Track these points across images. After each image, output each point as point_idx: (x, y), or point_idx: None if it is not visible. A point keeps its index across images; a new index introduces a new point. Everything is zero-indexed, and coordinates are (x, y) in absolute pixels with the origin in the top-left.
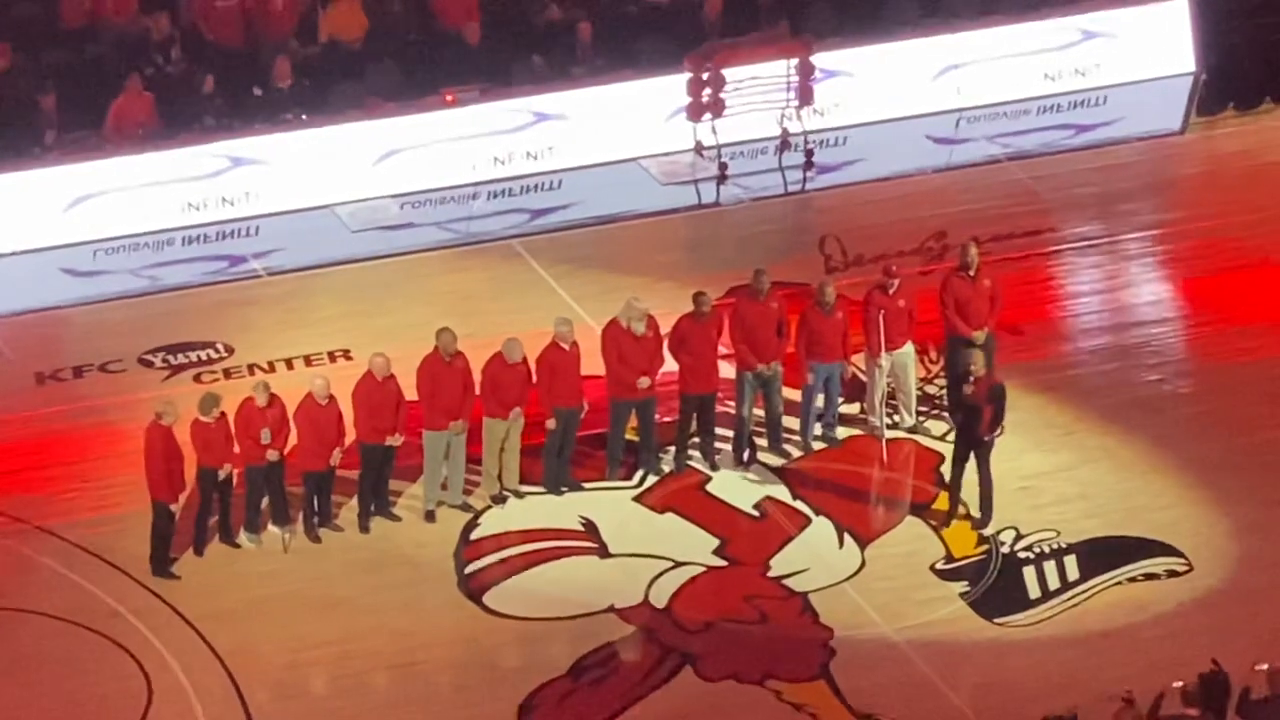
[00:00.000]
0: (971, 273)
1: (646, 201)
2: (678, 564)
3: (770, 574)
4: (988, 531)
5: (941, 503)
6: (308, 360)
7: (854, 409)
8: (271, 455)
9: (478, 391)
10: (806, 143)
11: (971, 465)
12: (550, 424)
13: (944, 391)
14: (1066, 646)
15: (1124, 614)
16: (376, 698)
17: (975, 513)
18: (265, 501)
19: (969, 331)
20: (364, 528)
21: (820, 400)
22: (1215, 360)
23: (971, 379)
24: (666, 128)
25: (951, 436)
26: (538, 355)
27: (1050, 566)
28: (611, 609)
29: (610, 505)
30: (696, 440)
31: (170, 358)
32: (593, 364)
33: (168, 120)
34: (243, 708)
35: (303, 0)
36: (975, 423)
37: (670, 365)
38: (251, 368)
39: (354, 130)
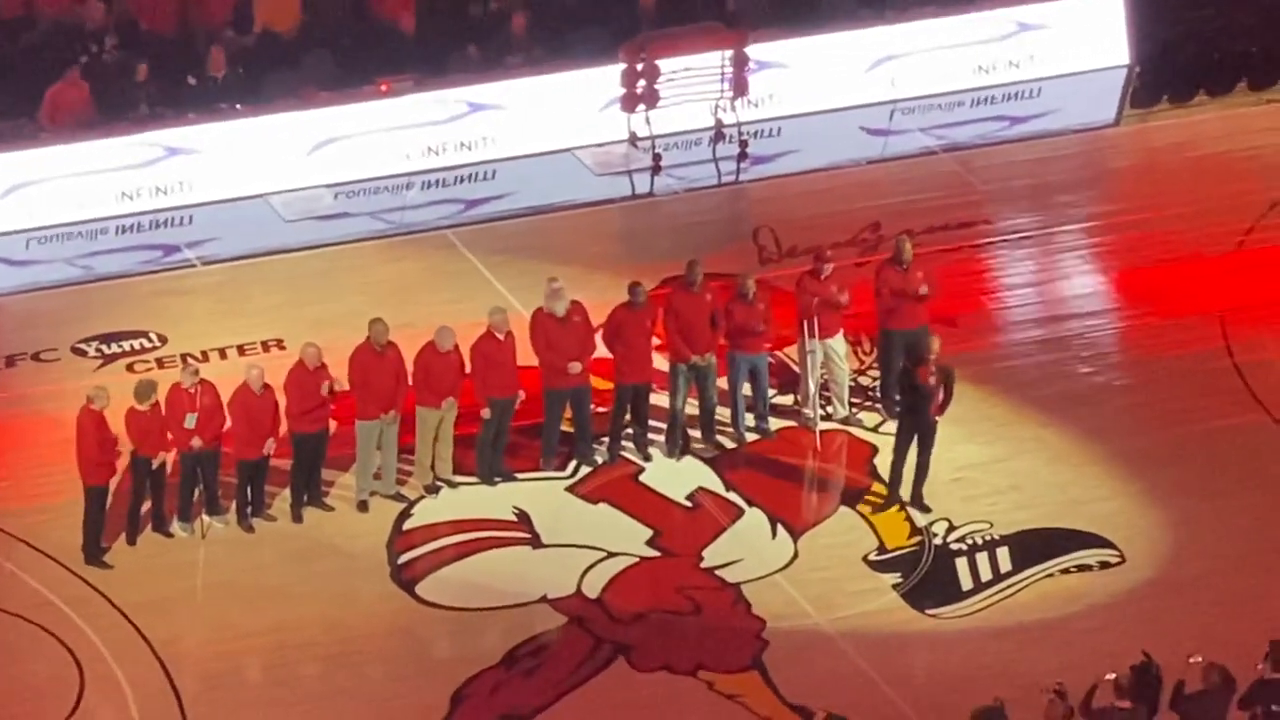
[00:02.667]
0: (904, 267)
1: (581, 192)
2: (611, 555)
3: (703, 565)
4: (919, 521)
5: (881, 487)
6: (241, 350)
7: (787, 400)
8: (195, 443)
9: (410, 382)
10: (741, 134)
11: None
12: (485, 414)
13: (877, 383)
14: (999, 638)
15: (1056, 606)
16: (309, 688)
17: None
18: (199, 490)
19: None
20: (297, 518)
21: (749, 391)
22: (1149, 353)
23: (926, 361)
24: (601, 118)
25: (885, 428)
26: (472, 345)
27: (983, 558)
28: (544, 599)
29: (543, 496)
30: (630, 431)
31: (104, 347)
32: (529, 354)
33: (102, 109)
34: (175, 697)
35: None
36: (925, 406)
37: (604, 353)
38: (185, 357)
39: (288, 120)
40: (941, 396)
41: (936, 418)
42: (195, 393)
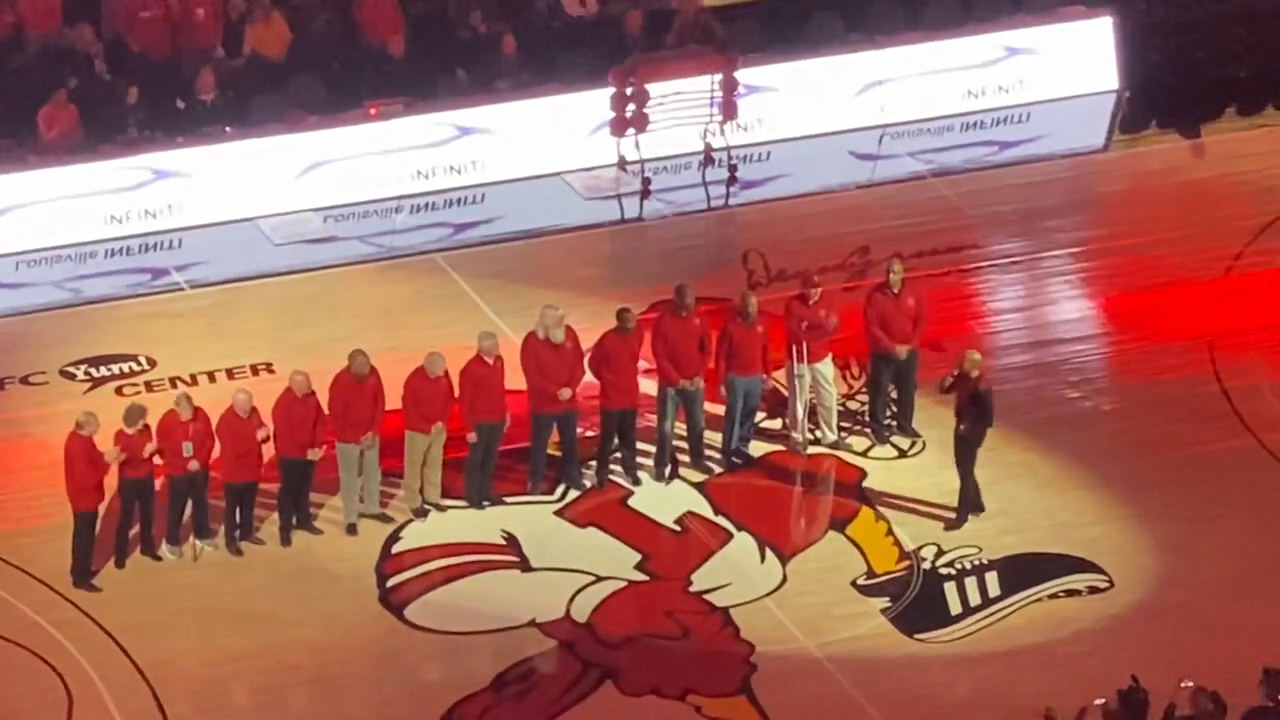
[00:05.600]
0: (895, 291)
1: (569, 216)
2: (599, 579)
3: (692, 589)
4: (908, 545)
5: (870, 511)
6: (230, 373)
7: (776, 424)
8: (192, 466)
9: (389, 407)
10: (730, 158)
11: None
12: (471, 438)
13: (865, 407)
14: (988, 663)
15: (1045, 630)
16: (297, 711)
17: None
18: (188, 514)
19: (891, 347)
20: (285, 541)
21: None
22: (1137, 378)
23: (952, 377)
24: (590, 142)
25: (874, 452)
26: (461, 369)
27: (971, 582)
28: (533, 623)
29: (532, 519)
30: (618, 455)
31: (92, 370)
32: (516, 378)
33: (91, 131)
34: None
35: (227, 12)
36: (959, 421)
37: (592, 378)
38: (173, 380)
39: (277, 143)
40: (972, 414)
41: (962, 431)
42: (189, 420)
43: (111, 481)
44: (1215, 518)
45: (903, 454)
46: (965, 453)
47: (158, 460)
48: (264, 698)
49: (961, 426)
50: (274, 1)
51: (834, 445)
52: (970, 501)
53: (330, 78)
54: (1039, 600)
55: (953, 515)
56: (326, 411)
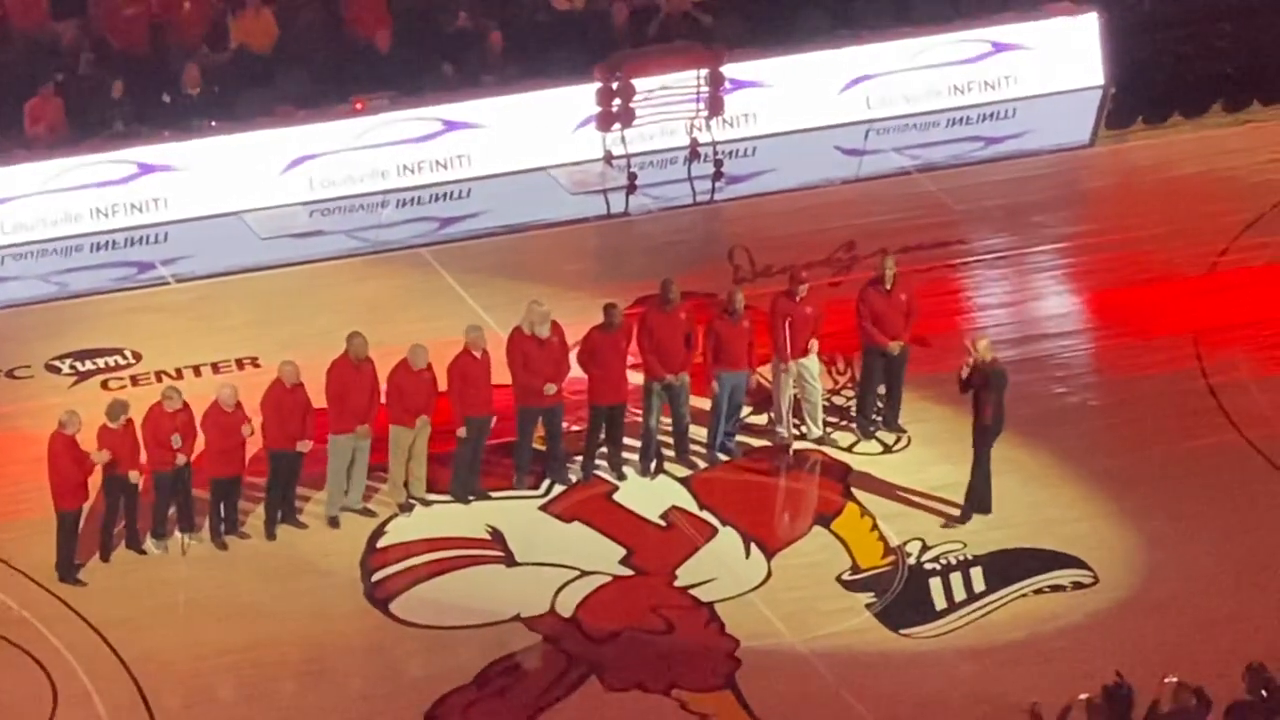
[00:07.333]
0: (888, 286)
1: (556, 211)
2: (584, 573)
3: (677, 584)
4: (893, 540)
5: (855, 506)
6: (215, 367)
7: (761, 419)
8: (180, 460)
9: (383, 399)
10: (716, 153)
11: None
12: (462, 433)
13: (852, 402)
14: (972, 658)
15: (1030, 626)
16: (283, 705)
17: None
18: (172, 508)
19: (885, 342)
20: (270, 535)
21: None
22: (1123, 373)
23: (967, 367)
24: (576, 137)
25: (859, 448)
26: (449, 363)
27: (956, 578)
28: (518, 618)
29: (517, 514)
30: (604, 450)
31: (78, 364)
32: (503, 373)
33: (77, 125)
34: (149, 715)
35: (212, 7)
36: (976, 409)
37: (577, 373)
38: (159, 374)
39: (263, 137)
40: (986, 399)
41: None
42: (176, 411)
43: (95, 479)
44: (1200, 513)
45: (888, 449)
46: (981, 445)
47: (141, 458)
48: (250, 691)
49: (979, 417)
50: None
51: (819, 440)
52: (978, 498)
53: (316, 72)
54: (1024, 596)
55: (942, 511)
56: (320, 401)
